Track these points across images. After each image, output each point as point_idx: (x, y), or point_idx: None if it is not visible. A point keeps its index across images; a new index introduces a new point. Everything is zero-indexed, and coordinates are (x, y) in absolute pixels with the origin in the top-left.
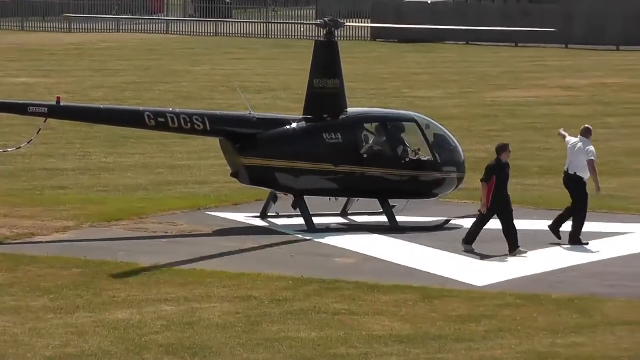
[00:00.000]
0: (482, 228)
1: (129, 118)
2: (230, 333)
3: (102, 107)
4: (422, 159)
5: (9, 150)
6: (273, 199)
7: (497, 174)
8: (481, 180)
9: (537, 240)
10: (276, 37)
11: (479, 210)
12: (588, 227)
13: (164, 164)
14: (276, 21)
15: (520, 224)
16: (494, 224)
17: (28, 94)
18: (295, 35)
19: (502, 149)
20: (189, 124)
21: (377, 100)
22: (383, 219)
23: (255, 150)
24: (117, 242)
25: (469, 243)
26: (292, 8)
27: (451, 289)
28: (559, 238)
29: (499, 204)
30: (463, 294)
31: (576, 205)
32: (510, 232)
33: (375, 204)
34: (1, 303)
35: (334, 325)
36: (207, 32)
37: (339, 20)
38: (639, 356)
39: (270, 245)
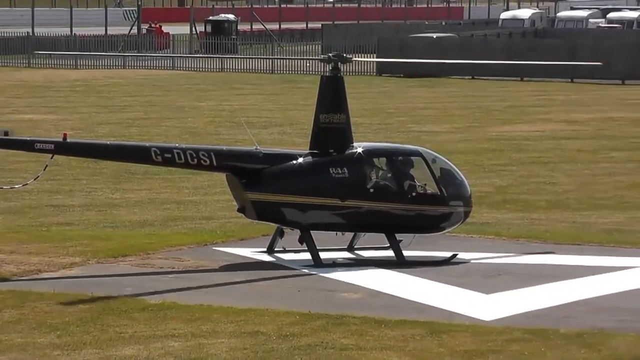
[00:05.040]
0: None
1: (136, 154)
2: None
3: (108, 143)
4: (429, 193)
5: (16, 187)
6: (280, 234)
7: None
8: None
9: (544, 274)
10: (282, 72)
11: None
12: (595, 261)
13: (170, 200)
14: (282, 57)
15: (525, 259)
16: (504, 258)
17: (34, 131)
18: (301, 71)
19: None
20: (196, 160)
21: (383, 134)
22: (390, 253)
23: (262, 186)
24: (124, 278)
25: None
26: (297, 43)
27: (458, 323)
28: None
29: None
30: (470, 328)
31: None
32: None
33: (381, 238)
34: (8, 340)
35: None
36: (213, 68)
37: (345, 55)
38: None
39: (277, 280)
